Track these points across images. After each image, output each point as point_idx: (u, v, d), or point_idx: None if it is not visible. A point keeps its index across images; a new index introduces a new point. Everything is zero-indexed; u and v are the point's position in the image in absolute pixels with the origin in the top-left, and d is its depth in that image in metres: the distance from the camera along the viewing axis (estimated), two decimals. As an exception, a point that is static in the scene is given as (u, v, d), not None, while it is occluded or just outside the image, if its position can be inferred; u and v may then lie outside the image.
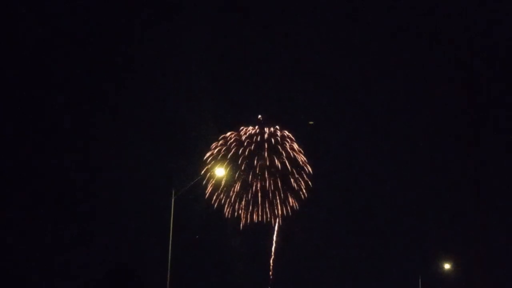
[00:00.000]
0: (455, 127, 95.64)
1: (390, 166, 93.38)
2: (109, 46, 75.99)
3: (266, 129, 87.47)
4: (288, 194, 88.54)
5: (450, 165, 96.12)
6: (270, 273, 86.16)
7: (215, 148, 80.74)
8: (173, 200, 41.61)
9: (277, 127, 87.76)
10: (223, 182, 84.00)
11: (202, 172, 68.90)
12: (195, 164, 68.65)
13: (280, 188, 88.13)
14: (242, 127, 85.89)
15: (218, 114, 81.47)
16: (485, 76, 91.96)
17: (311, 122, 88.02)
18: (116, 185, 68.03)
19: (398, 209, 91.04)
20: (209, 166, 62.09)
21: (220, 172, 44.38)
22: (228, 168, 68.84)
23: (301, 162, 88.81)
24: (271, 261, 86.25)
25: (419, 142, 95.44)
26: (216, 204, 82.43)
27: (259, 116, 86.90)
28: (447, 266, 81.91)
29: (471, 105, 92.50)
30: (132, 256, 58.67)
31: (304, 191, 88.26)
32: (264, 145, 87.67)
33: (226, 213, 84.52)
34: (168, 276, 39.10)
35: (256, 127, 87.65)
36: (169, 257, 39.66)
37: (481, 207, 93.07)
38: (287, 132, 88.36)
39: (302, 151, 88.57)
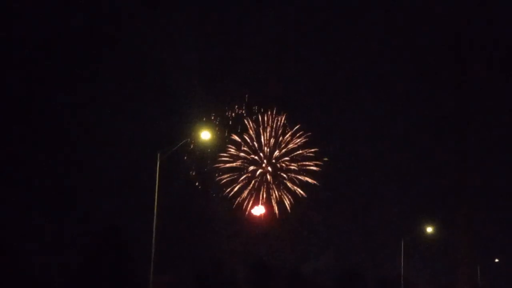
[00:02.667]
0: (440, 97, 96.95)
1: (376, 135, 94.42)
2: (102, 12, 75.37)
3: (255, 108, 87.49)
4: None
5: (434, 131, 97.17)
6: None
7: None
8: (158, 164, 41.83)
9: (269, 112, 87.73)
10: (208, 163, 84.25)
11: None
12: (181, 128, 68.95)
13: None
14: (227, 109, 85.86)
15: (206, 78, 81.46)
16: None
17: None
18: (103, 150, 68.15)
19: (382, 175, 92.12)
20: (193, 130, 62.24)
21: (205, 135, 44.22)
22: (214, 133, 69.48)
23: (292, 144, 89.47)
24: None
25: (405, 113, 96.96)
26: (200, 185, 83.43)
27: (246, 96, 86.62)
28: (429, 229, 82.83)
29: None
30: (119, 221, 58.94)
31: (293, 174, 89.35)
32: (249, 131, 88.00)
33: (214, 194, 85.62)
34: (153, 239, 39.60)
35: (243, 107, 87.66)
36: (154, 221, 40.13)
37: (464, 172, 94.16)
38: (279, 116, 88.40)
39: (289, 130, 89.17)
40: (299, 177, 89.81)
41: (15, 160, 62.58)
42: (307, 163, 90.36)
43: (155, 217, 40.57)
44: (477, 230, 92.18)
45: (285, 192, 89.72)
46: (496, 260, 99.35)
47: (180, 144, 43.14)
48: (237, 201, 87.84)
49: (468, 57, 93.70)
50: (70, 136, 68.88)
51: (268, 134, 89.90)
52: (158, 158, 41.27)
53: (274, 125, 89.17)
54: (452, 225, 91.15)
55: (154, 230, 40.24)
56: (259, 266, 71.53)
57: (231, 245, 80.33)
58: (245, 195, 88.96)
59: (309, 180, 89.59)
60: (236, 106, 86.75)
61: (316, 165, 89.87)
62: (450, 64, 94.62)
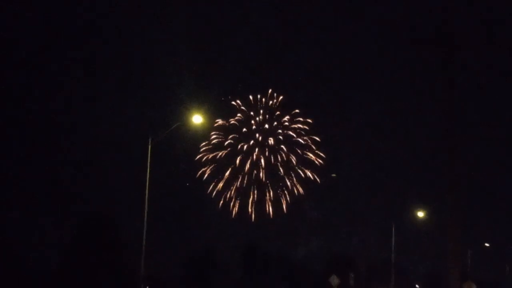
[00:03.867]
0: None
1: (368, 123, 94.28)
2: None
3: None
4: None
5: (426, 119, 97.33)
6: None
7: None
8: (150, 148, 41.04)
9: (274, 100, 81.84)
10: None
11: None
12: (173, 113, 67.94)
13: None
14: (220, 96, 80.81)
15: (198, 63, 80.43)
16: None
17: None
18: (95, 135, 67.41)
19: (373, 161, 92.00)
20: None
21: (197, 119, 43.25)
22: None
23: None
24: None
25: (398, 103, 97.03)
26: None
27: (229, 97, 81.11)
28: (420, 214, 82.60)
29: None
30: (109, 205, 58.28)
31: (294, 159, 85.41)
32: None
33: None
34: (145, 225, 38.92)
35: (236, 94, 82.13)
36: (146, 207, 39.41)
37: (455, 158, 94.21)
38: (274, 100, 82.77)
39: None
40: (300, 171, 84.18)
41: (4, 149, 61.79)
42: (308, 153, 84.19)
43: (146, 203, 39.84)
44: (468, 214, 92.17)
45: (283, 190, 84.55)
46: (487, 245, 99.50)
47: (172, 128, 42.28)
48: (221, 201, 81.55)
49: (466, 56, 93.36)
50: (62, 124, 68.15)
51: (261, 117, 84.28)
52: (150, 143, 40.52)
53: (269, 107, 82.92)
54: (443, 210, 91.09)
55: (145, 216, 39.53)
56: (250, 252, 71.02)
57: (222, 231, 79.08)
58: (232, 193, 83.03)
59: (310, 175, 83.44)
60: (230, 96, 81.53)
61: (317, 156, 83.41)
62: (447, 62, 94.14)
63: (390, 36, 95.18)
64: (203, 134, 78.84)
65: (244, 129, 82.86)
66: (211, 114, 78.66)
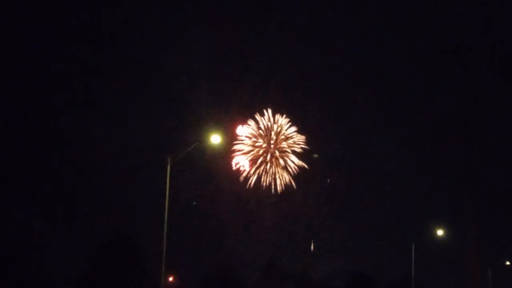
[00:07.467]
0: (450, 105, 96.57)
1: (387, 140, 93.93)
2: (107, 10, 75.06)
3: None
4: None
5: (443, 136, 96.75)
6: None
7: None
8: (169, 168, 41.28)
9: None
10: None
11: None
12: (192, 131, 68.29)
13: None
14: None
15: (214, 81, 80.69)
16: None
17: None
18: (112, 153, 67.71)
19: (393, 179, 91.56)
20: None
21: (215, 139, 43.49)
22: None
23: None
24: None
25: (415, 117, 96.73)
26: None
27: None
28: (440, 232, 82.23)
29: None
30: (128, 224, 58.54)
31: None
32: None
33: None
34: (164, 244, 39.09)
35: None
36: (165, 226, 39.59)
37: (472, 173, 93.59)
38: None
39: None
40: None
41: (24, 166, 62.29)
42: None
43: (165, 221, 40.03)
44: (488, 232, 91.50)
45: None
46: (507, 263, 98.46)
47: (191, 147, 42.57)
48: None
49: (472, 56, 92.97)
50: (81, 140, 68.63)
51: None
52: (169, 162, 40.77)
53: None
54: (462, 228, 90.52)
55: (164, 234, 39.71)
56: (269, 269, 70.99)
57: (240, 248, 79.43)
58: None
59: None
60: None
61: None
62: (454, 62, 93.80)
63: (401, 42, 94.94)
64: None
65: (260, 131, 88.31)
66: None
